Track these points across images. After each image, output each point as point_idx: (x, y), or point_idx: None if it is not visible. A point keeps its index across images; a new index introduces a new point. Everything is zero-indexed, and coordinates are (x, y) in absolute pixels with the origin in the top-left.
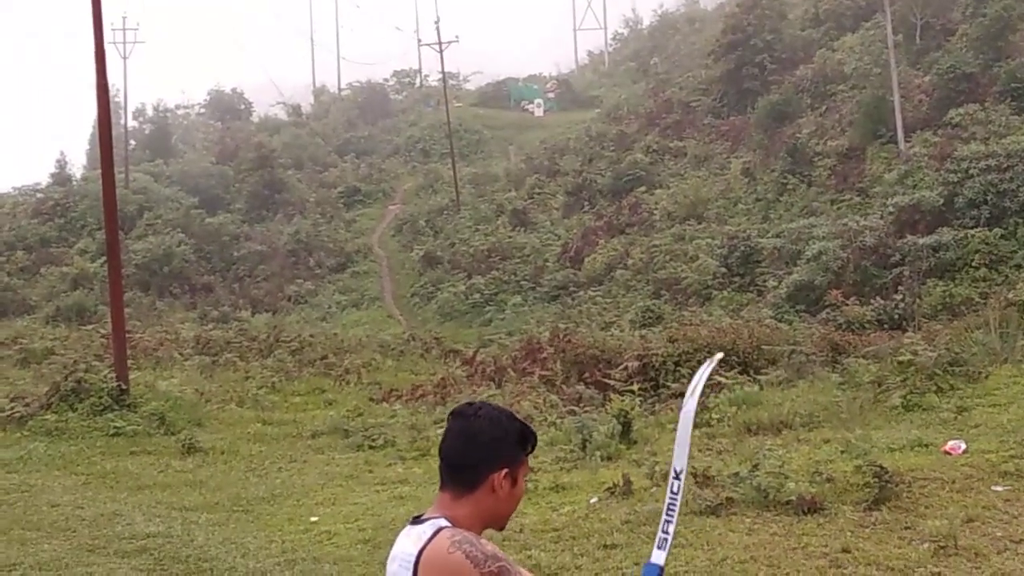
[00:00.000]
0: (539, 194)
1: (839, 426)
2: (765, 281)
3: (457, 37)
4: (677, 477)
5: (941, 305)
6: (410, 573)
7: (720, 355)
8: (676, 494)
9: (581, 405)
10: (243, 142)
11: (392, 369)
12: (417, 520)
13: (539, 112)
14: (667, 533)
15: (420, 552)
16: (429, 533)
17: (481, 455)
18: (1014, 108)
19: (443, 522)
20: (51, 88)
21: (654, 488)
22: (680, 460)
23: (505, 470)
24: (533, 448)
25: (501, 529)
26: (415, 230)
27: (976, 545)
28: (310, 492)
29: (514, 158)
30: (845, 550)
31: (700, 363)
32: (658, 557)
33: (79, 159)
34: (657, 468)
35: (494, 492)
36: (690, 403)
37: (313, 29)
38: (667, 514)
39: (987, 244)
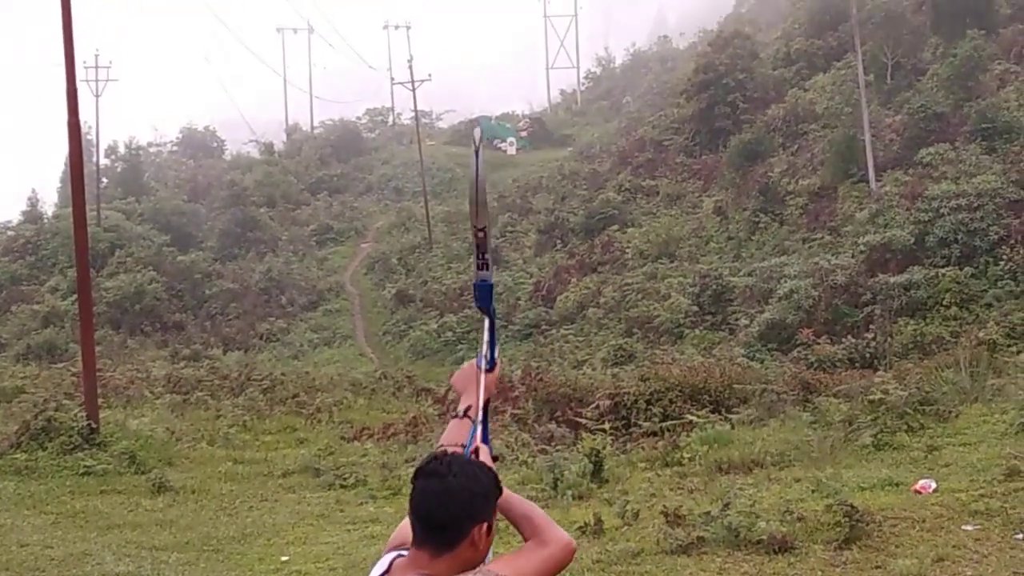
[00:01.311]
0: (511, 232)
1: (810, 465)
2: (737, 320)
3: (430, 75)
4: (481, 230)
5: (912, 344)
6: None
7: (478, 130)
8: (484, 239)
9: (552, 444)
10: (215, 180)
11: (364, 408)
12: None
13: (512, 151)
14: (484, 259)
15: None
16: None
17: (463, 516)
18: (984, 147)
19: None
20: (22, 126)
21: (625, 527)
22: (481, 220)
23: (485, 524)
24: (502, 489)
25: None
26: (387, 268)
27: None
28: (281, 531)
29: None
30: None
31: (673, 402)
32: (486, 275)
33: (51, 196)
34: (628, 507)
35: (474, 545)
36: (473, 167)
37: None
38: (480, 249)
39: (958, 283)
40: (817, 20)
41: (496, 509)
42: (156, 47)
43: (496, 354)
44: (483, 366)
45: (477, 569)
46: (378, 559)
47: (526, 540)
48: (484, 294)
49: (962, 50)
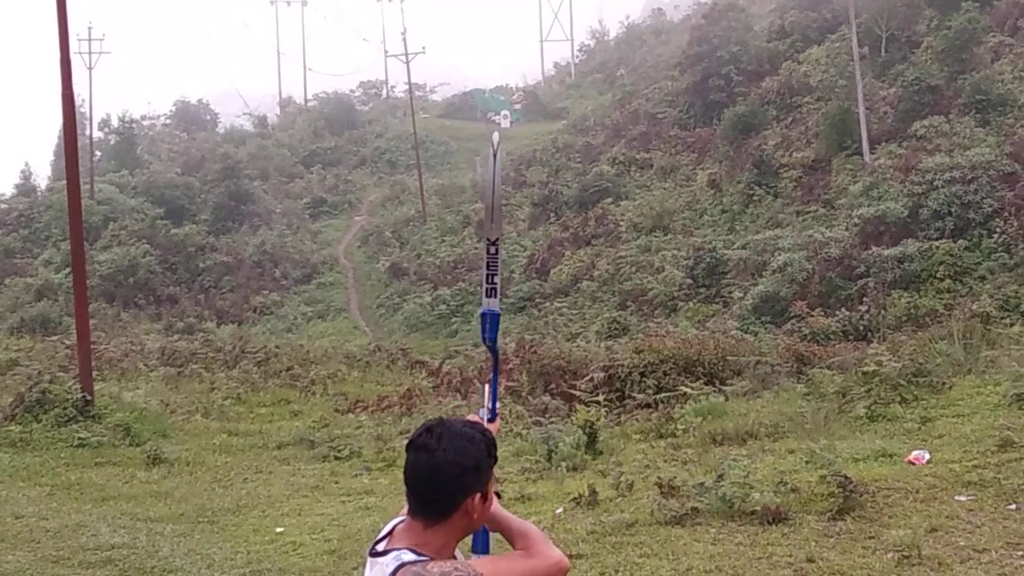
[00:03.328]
0: (505, 205)
1: (804, 436)
2: (731, 292)
3: (424, 48)
4: (494, 244)
5: (906, 316)
6: None
7: (496, 134)
8: (495, 256)
9: (547, 416)
10: (209, 153)
11: (358, 380)
12: (377, 552)
13: (506, 123)
14: (494, 284)
15: None
16: (389, 571)
17: (453, 488)
18: (978, 120)
19: (405, 555)
20: (15, 99)
21: (619, 498)
22: (495, 231)
23: (478, 494)
24: (496, 456)
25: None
26: (381, 241)
27: (939, 555)
28: (276, 503)
29: (480, 169)
30: (809, 560)
31: (667, 374)
32: (494, 304)
33: (44, 170)
34: (623, 479)
35: (467, 514)
36: (490, 174)
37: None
38: (490, 269)
39: (951, 256)
40: None
41: (491, 477)
42: (149, 20)
43: (498, 406)
44: (485, 416)
45: (457, 564)
46: (375, 529)
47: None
48: (492, 325)
49: (956, 22)
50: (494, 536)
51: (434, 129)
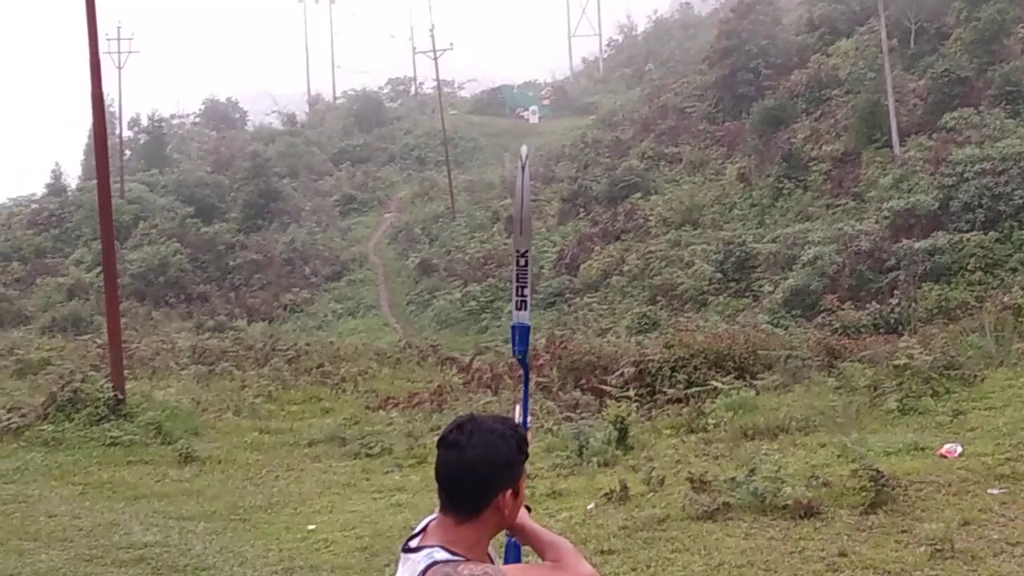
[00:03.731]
0: (534, 201)
1: (835, 430)
2: (761, 286)
3: (452, 45)
4: (523, 256)
5: (937, 309)
6: None
7: (525, 147)
8: (525, 267)
9: (577, 411)
10: (238, 151)
11: (388, 377)
12: (410, 547)
13: (534, 119)
14: (524, 296)
15: None
16: (421, 567)
17: (484, 485)
18: (1008, 111)
19: (437, 553)
20: (46, 99)
21: (651, 494)
22: (524, 243)
23: (509, 490)
24: (528, 452)
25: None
26: (411, 238)
27: (972, 548)
28: (307, 500)
29: (509, 165)
30: (842, 554)
31: (697, 368)
32: (525, 317)
33: (74, 169)
34: (654, 474)
35: (499, 510)
36: (518, 187)
37: (308, 38)
38: (520, 281)
39: (982, 248)
40: None
41: (523, 473)
42: (177, 19)
43: (528, 421)
44: None
45: (487, 567)
46: (406, 526)
47: None
48: (523, 338)
49: (985, 13)
50: (527, 552)
51: (463, 125)
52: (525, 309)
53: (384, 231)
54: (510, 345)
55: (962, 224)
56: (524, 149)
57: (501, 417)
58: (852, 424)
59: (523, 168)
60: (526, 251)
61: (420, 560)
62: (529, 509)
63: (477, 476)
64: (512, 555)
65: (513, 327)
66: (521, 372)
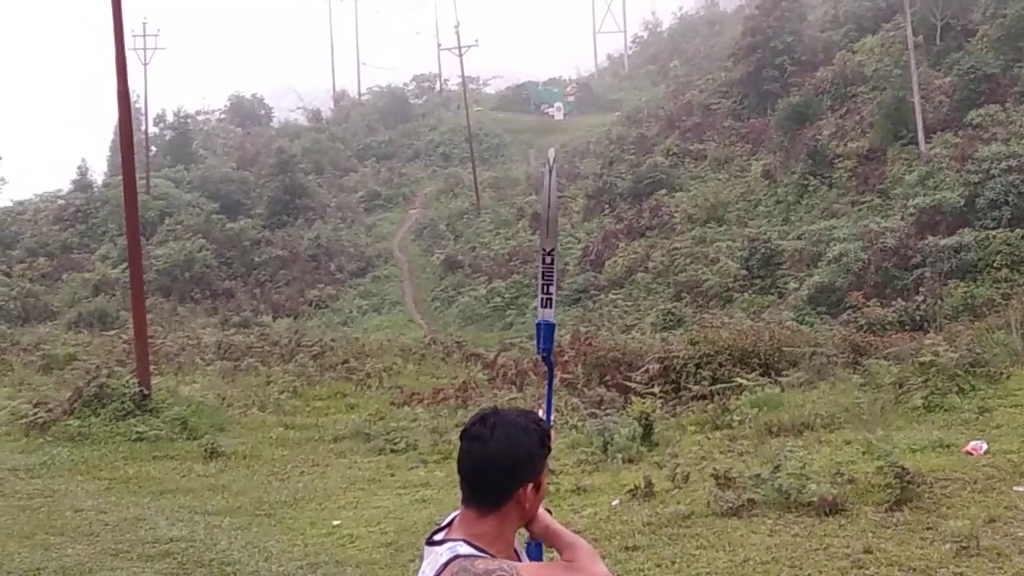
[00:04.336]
0: (560, 198)
1: (860, 427)
2: (786, 283)
3: (477, 41)
4: (549, 254)
5: (962, 306)
6: None
7: (552, 150)
8: (551, 265)
9: (602, 408)
10: (263, 147)
11: (413, 373)
12: (434, 541)
13: (559, 115)
14: (549, 294)
15: None
16: (443, 560)
17: (505, 479)
18: None
19: (460, 547)
20: (72, 95)
21: (675, 490)
22: (550, 242)
23: (530, 484)
24: (551, 447)
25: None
26: (436, 234)
27: (998, 545)
28: (332, 496)
29: (534, 162)
30: (867, 551)
31: (722, 365)
32: (549, 315)
33: (100, 165)
34: (679, 470)
35: (520, 504)
36: (546, 188)
37: (333, 34)
38: (545, 279)
39: (1008, 245)
40: None
41: (545, 467)
42: (203, 16)
43: (552, 417)
44: None
45: (503, 563)
46: (431, 521)
47: None
48: (548, 335)
49: (1012, 10)
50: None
51: (487, 122)
52: (550, 307)
53: (409, 227)
54: (534, 341)
55: (988, 221)
56: (551, 152)
57: (524, 411)
58: (877, 421)
59: (550, 170)
60: (552, 250)
61: (443, 553)
62: (549, 512)
63: (499, 469)
64: (534, 554)
65: (538, 324)
66: (545, 372)
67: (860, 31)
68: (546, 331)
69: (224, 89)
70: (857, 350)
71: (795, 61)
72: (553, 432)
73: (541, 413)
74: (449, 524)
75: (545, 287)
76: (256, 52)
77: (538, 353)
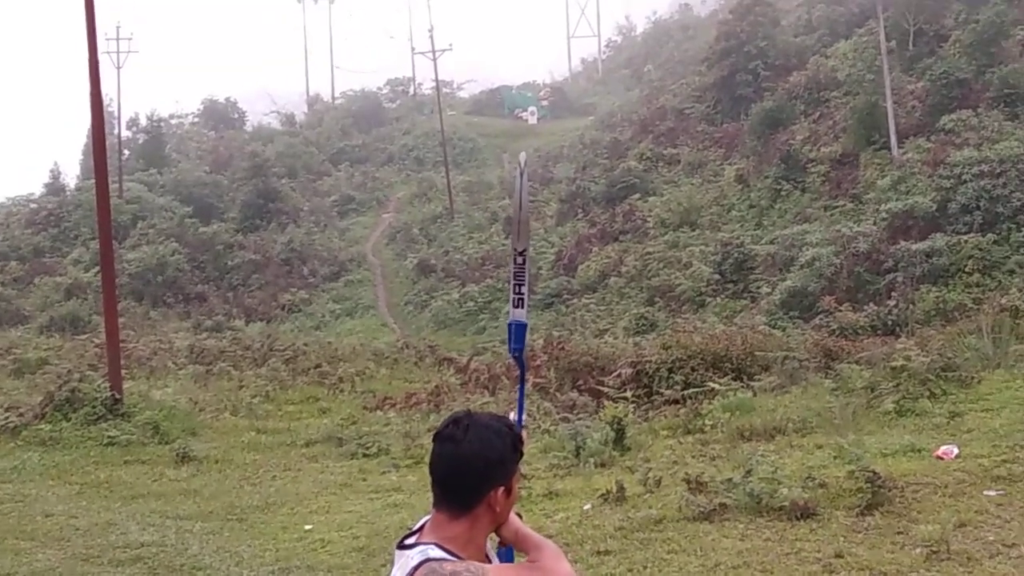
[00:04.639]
0: (533, 202)
1: (832, 432)
2: (759, 288)
3: (451, 45)
4: (521, 254)
5: (934, 311)
6: None
7: (524, 154)
8: (523, 265)
9: (575, 412)
10: (237, 151)
11: (386, 377)
12: (406, 544)
13: (533, 120)
14: (521, 294)
15: None
16: (413, 564)
17: (476, 481)
18: (1007, 114)
19: (431, 551)
20: (45, 98)
21: (647, 495)
22: (522, 242)
23: (501, 488)
24: (522, 451)
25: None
26: (409, 238)
27: (968, 550)
28: (304, 500)
29: (508, 166)
30: (838, 555)
31: (694, 370)
32: (522, 315)
33: (73, 169)
34: (650, 475)
35: (491, 508)
36: (517, 190)
37: (307, 38)
38: (517, 279)
39: (980, 250)
40: None
41: (517, 472)
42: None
43: (523, 419)
44: None
45: (469, 565)
46: (403, 526)
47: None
48: (519, 335)
49: (984, 16)
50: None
51: (461, 126)
52: (522, 307)
53: (382, 231)
54: (507, 346)
55: (960, 226)
56: (523, 156)
57: (497, 415)
58: (849, 425)
59: (522, 174)
60: (524, 250)
61: (414, 556)
62: (520, 516)
63: (471, 470)
64: (505, 559)
65: (510, 324)
66: (518, 373)
67: (833, 36)
68: (518, 331)
69: (197, 93)
70: (829, 355)
71: (768, 66)
72: (525, 434)
73: (513, 416)
74: (421, 528)
75: (517, 287)
76: (229, 56)
77: (510, 353)
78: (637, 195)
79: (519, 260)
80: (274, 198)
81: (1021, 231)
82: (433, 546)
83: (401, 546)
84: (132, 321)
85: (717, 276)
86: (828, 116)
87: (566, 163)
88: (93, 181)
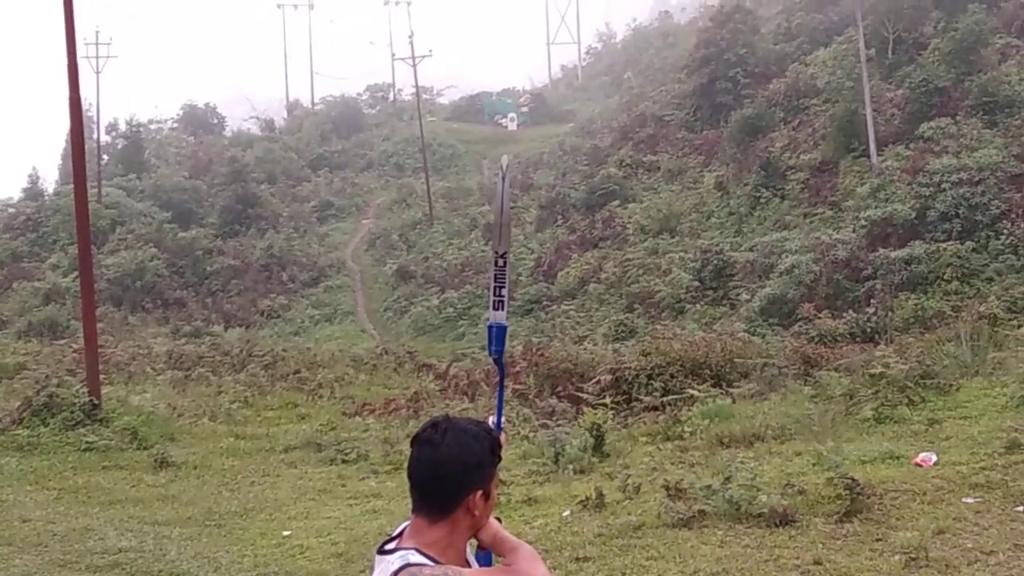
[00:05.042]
0: (513, 208)
1: (811, 439)
2: (738, 295)
3: (431, 51)
4: (502, 257)
5: (913, 318)
6: None
7: (506, 157)
8: (503, 268)
9: (554, 419)
10: (216, 156)
11: (365, 383)
12: (386, 550)
13: (513, 126)
14: (501, 296)
15: None
16: (393, 568)
17: (455, 484)
18: (985, 122)
19: (411, 556)
20: (23, 102)
21: (626, 501)
22: (503, 245)
23: (480, 491)
24: (500, 455)
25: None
26: (388, 244)
27: (947, 557)
28: (283, 506)
29: (487, 172)
30: (817, 562)
31: (674, 376)
32: (501, 317)
33: (51, 174)
34: (629, 481)
35: (469, 512)
36: (499, 194)
37: (286, 44)
38: (497, 281)
39: (959, 257)
40: None
41: (495, 476)
42: (156, 25)
43: (503, 420)
44: None
45: (448, 569)
46: (382, 532)
47: None
48: (499, 337)
49: (963, 24)
50: None
51: (441, 132)
52: (502, 309)
53: (362, 237)
54: (486, 351)
55: (939, 234)
56: (505, 159)
57: (476, 420)
58: (828, 432)
59: (503, 178)
60: (505, 253)
61: (394, 561)
62: (499, 520)
63: (449, 474)
64: (484, 563)
65: (490, 327)
66: (497, 376)
67: (813, 44)
68: (498, 333)
69: (176, 92)
70: (808, 362)
71: (748, 73)
72: (504, 437)
73: (492, 420)
74: (400, 534)
75: (497, 289)
76: (208, 55)
77: (489, 355)
78: (617, 202)
79: (500, 263)
80: (253, 203)
81: (1000, 239)
82: (413, 551)
83: (381, 551)
84: (111, 326)
85: (696, 283)
86: (807, 123)
87: (546, 169)
88: (72, 186)
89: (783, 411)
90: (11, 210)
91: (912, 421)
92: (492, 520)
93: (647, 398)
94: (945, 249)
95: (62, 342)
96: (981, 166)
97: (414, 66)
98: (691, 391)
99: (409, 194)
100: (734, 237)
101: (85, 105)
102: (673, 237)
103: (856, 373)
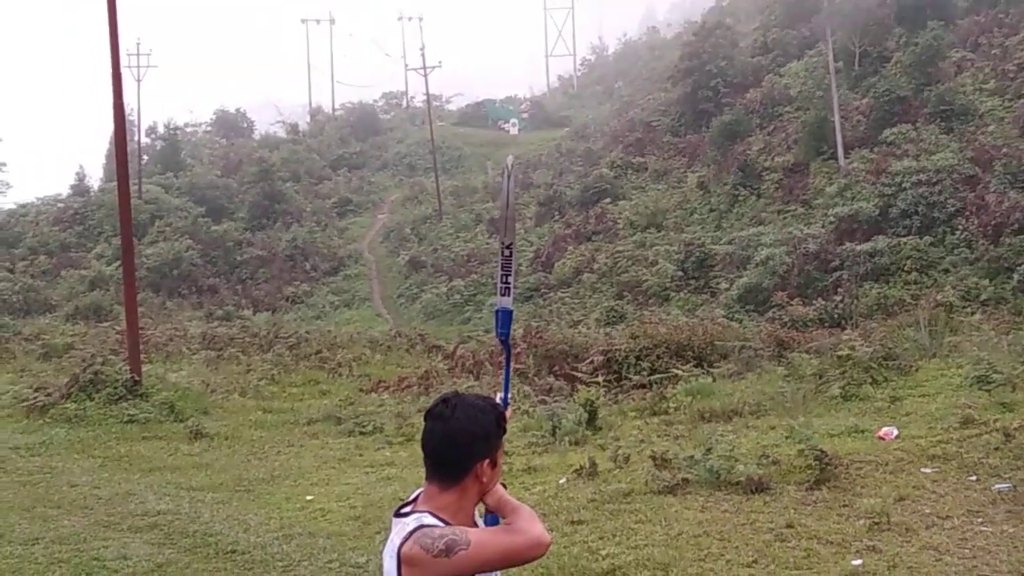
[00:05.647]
0: (515, 203)
1: (784, 414)
2: (718, 284)
3: (440, 63)
4: (508, 247)
5: (876, 305)
6: (395, 564)
7: (511, 157)
8: (509, 257)
9: (551, 395)
10: (245, 157)
11: (380, 363)
12: (402, 513)
13: (514, 131)
14: (508, 283)
15: (400, 547)
16: (409, 529)
17: (464, 453)
18: (943, 128)
19: (425, 518)
20: (72, 108)
21: (617, 470)
22: (509, 236)
23: (487, 460)
24: (506, 427)
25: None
26: (401, 237)
27: (907, 521)
28: (306, 474)
29: (491, 172)
30: (789, 525)
31: (660, 357)
32: (508, 302)
33: (96, 172)
34: (620, 452)
35: (478, 479)
36: (505, 190)
37: (310, 55)
38: (504, 269)
39: (918, 251)
40: (791, 12)
41: (501, 446)
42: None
43: (509, 396)
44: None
45: (455, 529)
46: (396, 497)
47: None
48: (505, 321)
49: (923, 39)
50: None
51: (449, 136)
52: (509, 295)
53: (377, 231)
54: (491, 335)
55: (900, 229)
56: (510, 159)
57: (483, 395)
58: (799, 409)
59: (509, 176)
60: (511, 243)
61: (409, 523)
62: (504, 486)
63: (458, 445)
64: (490, 524)
65: (497, 311)
66: (503, 355)
67: (786, 57)
68: (504, 317)
69: (208, 95)
70: (781, 344)
71: (727, 83)
72: (509, 411)
73: (498, 399)
74: (415, 499)
75: (504, 277)
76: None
77: (497, 336)
78: (608, 199)
79: (506, 252)
80: (279, 200)
81: (955, 234)
82: (427, 514)
83: (398, 515)
84: (150, 310)
85: (680, 273)
86: (781, 129)
87: (544, 170)
88: (115, 183)
89: (759, 389)
90: (60, 205)
91: (875, 399)
92: (497, 486)
93: (636, 377)
94: (905, 243)
95: (106, 324)
96: (938, 168)
97: (425, 76)
98: (675, 371)
99: (420, 191)
100: (714, 232)
101: (127, 110)
102: (659, 231)
103: (825, 355)
